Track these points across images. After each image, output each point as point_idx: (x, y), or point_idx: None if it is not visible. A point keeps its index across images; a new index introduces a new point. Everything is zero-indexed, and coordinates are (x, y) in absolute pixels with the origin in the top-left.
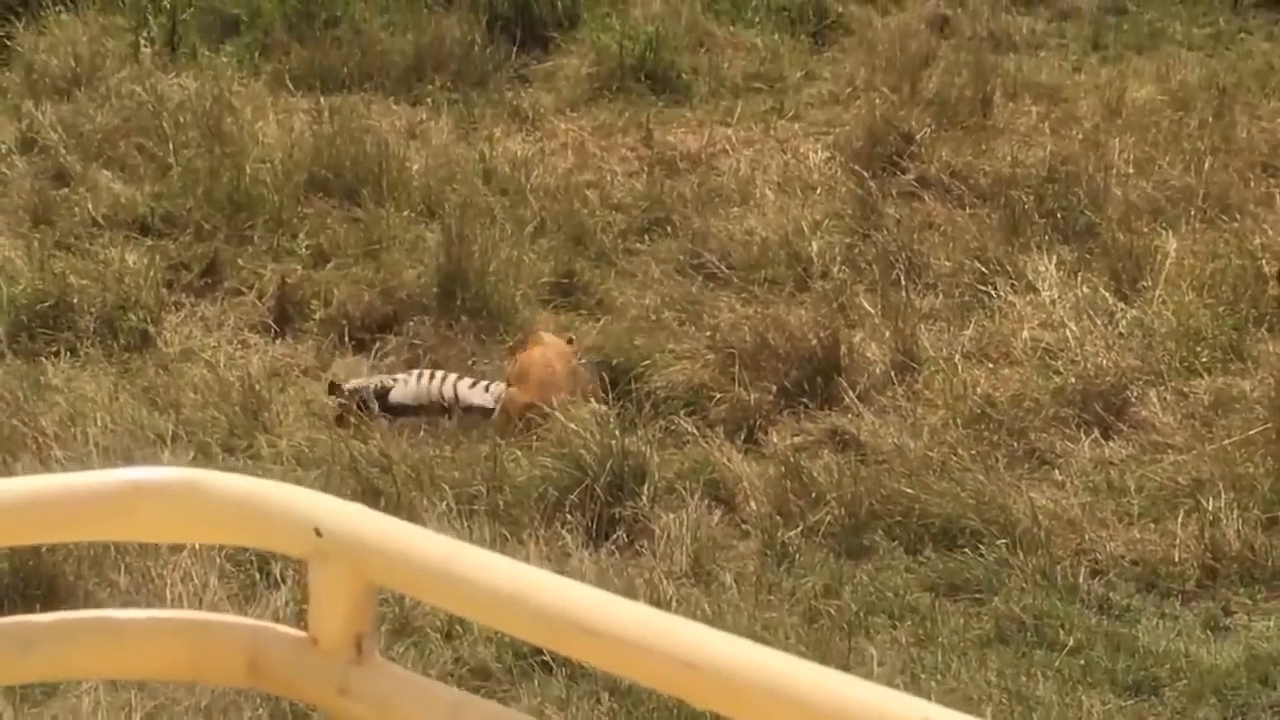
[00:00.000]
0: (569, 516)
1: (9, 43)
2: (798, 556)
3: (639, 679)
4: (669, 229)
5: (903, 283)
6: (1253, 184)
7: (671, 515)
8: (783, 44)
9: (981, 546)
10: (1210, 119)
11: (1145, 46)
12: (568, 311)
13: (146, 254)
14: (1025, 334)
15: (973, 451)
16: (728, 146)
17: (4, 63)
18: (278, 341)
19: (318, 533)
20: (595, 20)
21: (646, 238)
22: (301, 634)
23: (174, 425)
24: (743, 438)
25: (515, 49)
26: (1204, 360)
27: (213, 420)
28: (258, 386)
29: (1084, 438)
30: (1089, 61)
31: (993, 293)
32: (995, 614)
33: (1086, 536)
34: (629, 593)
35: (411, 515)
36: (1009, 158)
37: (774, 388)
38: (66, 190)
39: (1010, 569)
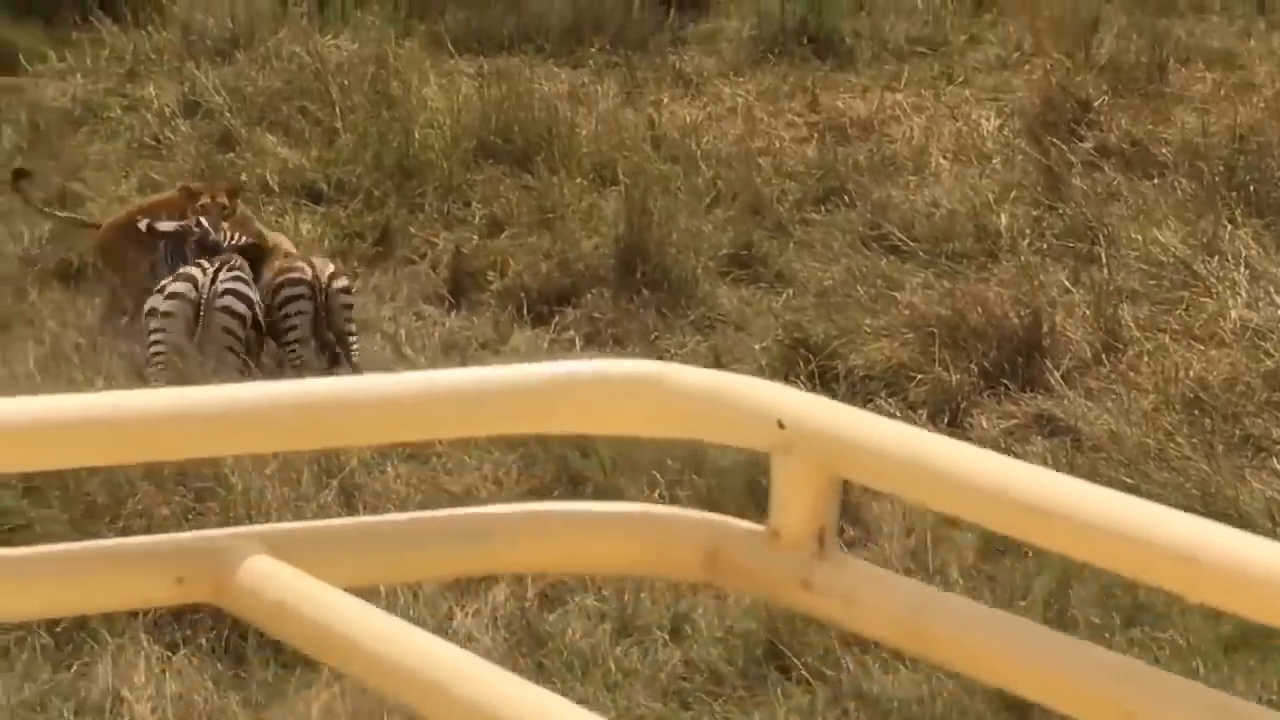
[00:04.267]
0: None
1: (166, 2)
2: (1018, 551)
3: (1129, 573)
4: (845, 198)
5: (1103, 258)
6: None
7: (884, 504)
8: (944, 6)
9: None
10: None
11: None
12: (747, 284)
13: (319, 222)
14: (1234, 314)
15: (1192, 439)
16: (899, 113)
17: (161, 23)
18: (453, 314)
19: (781, 425)
20: None
21: (823, 208)
22: (760, 528)
23: None
24: (946, 420)
25: (672, 10)
26: None
27: None
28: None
29: None
30: (1256, 27)
31: (1192, 269)
32: (1233, 617)
33: None
34: None
35: None
36: (1194, 126)
37: (974, 368)
38: (232, 155)
39: None
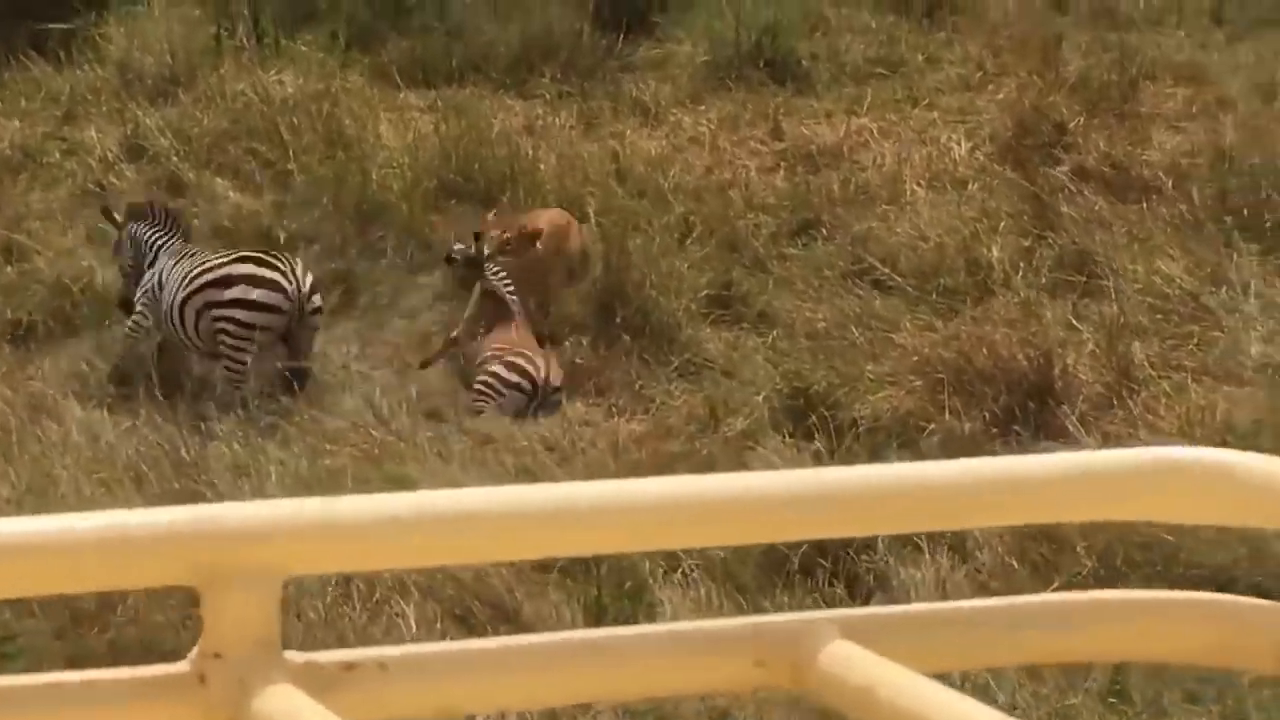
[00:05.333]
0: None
1: (100, 40)
2: None
3: None
4: (822, 231)
5: (1111, 293)
6: None
7: (912, 570)
8: (898, 25)
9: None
10: None
11: (1271, 21)
12: (730, 326)
13: None
14: (1253, 350)
15: None
16: (866, 138)
17: (96, 61)
18: (429, 369)
19: None
20: (706, 4)
21: (799, 241)
22: None
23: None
24: None
25: (621, 36)
26: None
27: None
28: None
29: None
30: (1215, 38)
31: (1199, 301)
32: None
33: None
34: None
35: None
36: (1174, 147)
37: (985, 415)
38: (183, 201)
39: None
